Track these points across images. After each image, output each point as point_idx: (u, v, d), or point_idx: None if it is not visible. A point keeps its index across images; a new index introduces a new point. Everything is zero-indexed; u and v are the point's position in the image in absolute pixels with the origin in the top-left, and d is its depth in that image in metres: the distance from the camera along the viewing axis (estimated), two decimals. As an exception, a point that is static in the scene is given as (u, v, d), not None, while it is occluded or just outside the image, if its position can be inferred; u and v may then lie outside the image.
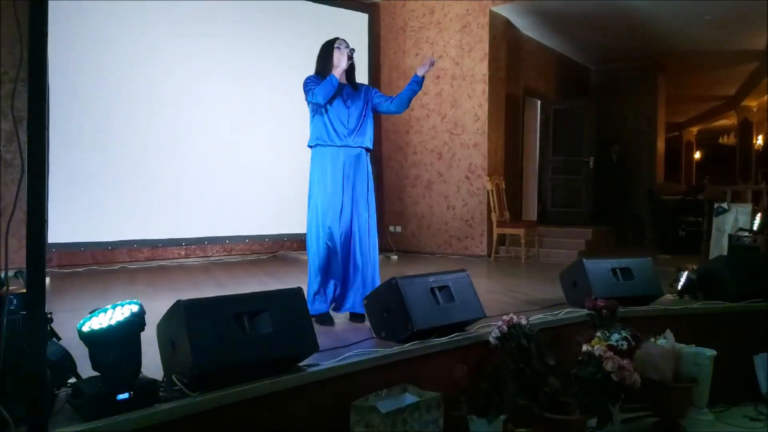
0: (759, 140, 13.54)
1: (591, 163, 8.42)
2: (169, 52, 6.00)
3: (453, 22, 7.29)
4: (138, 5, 5.78)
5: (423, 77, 3.53)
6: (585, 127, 8.47)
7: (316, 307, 3.40)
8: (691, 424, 3.16)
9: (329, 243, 3.42)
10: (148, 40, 5.87)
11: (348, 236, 3.44)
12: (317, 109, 3.47)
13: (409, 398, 2.51)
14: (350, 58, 3.45)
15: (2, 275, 1.91)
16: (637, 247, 8.57)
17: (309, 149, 3.56)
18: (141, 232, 5.84)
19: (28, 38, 1.69)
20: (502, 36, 7.35)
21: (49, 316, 1.73)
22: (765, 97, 11.04)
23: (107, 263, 5.80)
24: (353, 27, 7.40)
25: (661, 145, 10.16)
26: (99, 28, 5.60)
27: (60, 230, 5.26)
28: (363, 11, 7.54)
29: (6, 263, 1.83)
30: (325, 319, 3.37)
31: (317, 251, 3.44)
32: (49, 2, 1.64)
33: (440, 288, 3.03)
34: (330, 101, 3.42)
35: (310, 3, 7.01)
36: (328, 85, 3.36)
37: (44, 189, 1.56)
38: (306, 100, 3.47)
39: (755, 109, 12.50)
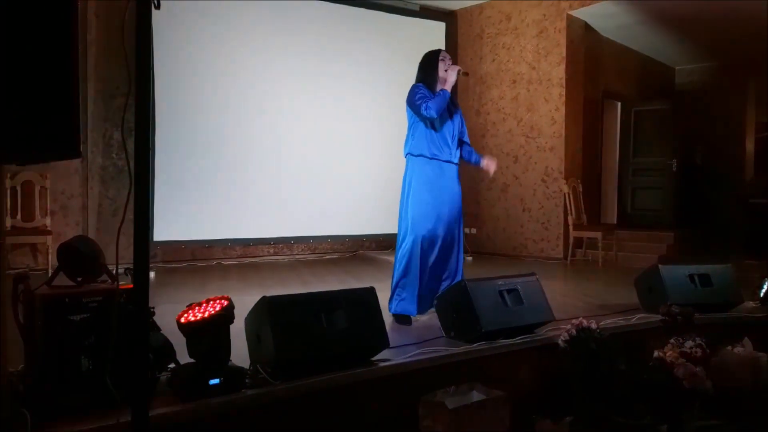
0: None
1: (674, 165, 8.01)
2: (261, 60, 6.29)
3: (530, 27, 7.17)
4: (237, 12, 6.10)
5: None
6: (668, 128, 8.07)
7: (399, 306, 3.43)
8: (772, 436, 2.98)
9: (425, 253, 3.45)
10: (242, 47, 6.18)
11: (443, 249, 3.51)
12: (425, 125, 3.47)
13: (476, 396, 2.54)
14: (458, 74, 3.50)
15: (114, 272, 2.12)
16: (722, 252, 8.06)
17: (403, 157, 3.61)
18: (234, 232, 6.18)
19: (135, 60, 1.86)
20: (581, 39, 7.15)
21: (152, 309, 1.91)
22: None
23: (204, 259, 6.18)
24: (431, 36, 7.44)
25: (750, 146, 9.48)
26: (197, 35, 5.95)
27: (164, 229, 5.67)
28: (440, 20, 7.58)
29: (117, 261, 2.04)
30: (404, 320, 3.40)
31: (410, 260, 3.44)
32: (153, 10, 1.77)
33: (509, 291, 3.03)
34: (438, 118, 3.46)
35: (391, 14, 7.13)
36: (442, 101, 3.38)
37: (148, 198, 1.73)
38: (419, 112, 3.41)
39: None
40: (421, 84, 3.50)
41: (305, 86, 6.53)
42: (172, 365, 2.17)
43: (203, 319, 2.06)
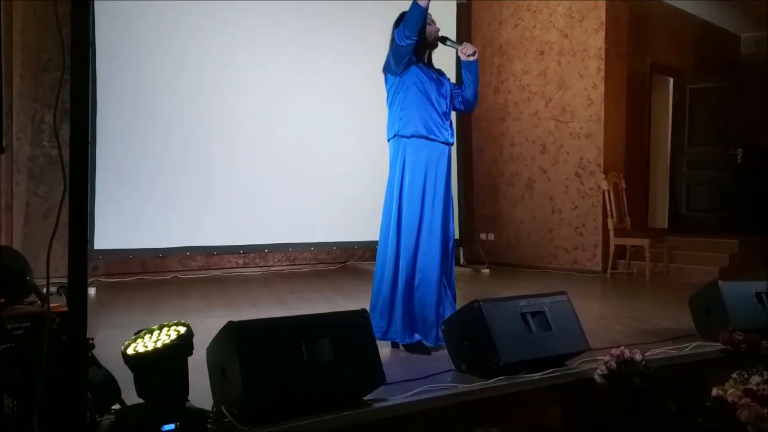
0: None
1: (739, 155, 8.09)
2: (229, 48, 6.30)
3: (561, -16, 7.22)
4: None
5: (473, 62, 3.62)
6: (732, 110, 8.17)
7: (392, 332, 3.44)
8: None
9: (420, 259, 3.46)
10: (206, 36, 6.19)
11: (441, 251, 3.50)
12: (413, 94, 3.46)
13: (493, 444, 2.56)
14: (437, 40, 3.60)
15: (45, 291, 2.13)
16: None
17: (388, 141, 3.61)
18: (195, 238, 6.18)
19: (72, 25, 1.86)
20: (624, 1, 7.20)
21: (90, 342, 1.91)
22: None
23: (157, 272, 6.19)
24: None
25: (835, 132, 9.56)
26: (156, 23, 5.97)
27: (107, 235, 5.67)
28: (452, -23, 7.60)
29: (48, 277, 2.04)
30: (418, 348, 3.42)
31: (404, 269, 3.44)
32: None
33: (534, 314, 3.05)
34: (426, 87, 3.48)
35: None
36: (416, 15, 3.29)
37: (86, 198, 1.74)
38: (393, 50, 3.42)
39: None
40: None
41: (284, 65, 6.55)
42: (116, 406, 2.18)
43: (155, 350, 2.07)
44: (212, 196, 6.25)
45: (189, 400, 2.19)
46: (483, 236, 7.71)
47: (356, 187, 6.84)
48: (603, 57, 6.94)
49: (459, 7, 7.58)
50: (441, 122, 3.52)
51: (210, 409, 2.29)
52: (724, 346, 3.24)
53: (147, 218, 5.92)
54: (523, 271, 7.15)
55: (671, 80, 8.53)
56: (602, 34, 6.93)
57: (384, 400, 2.51)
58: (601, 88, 6.96)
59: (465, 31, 7.75)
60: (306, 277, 6.38)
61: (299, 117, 6.65)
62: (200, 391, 2.32)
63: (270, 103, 6.51)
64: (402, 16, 3.53)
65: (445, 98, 3.57)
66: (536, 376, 2.89)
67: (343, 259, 7.22)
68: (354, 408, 2.42)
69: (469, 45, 3.60)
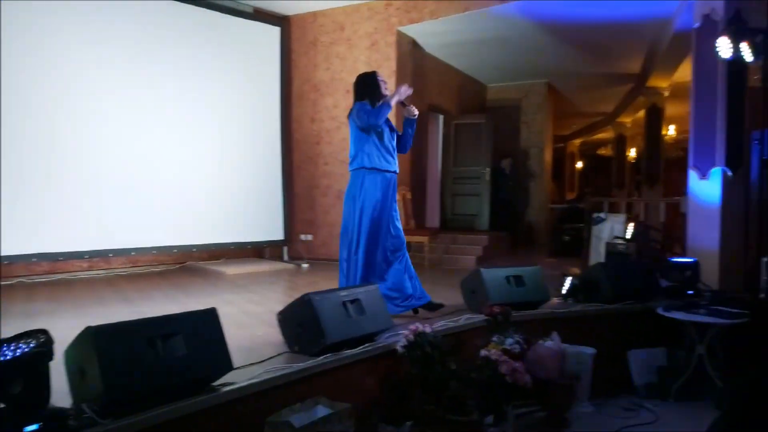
0: (632, 152, 14.80)
1: (487, 174, 8.82)
2: (74, 54, 5.62)
3: (362, 39, 7.40)
4: (70, 16, 5.45)
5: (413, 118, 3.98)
6: (483, 140, 8.87)
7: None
8: (575, 416, 3.43)
9: (379, 258, 3.85)
10: (55, 45, 5.49)
11: (393, 241, 3.91)
12: (369, 133, 3.76)
13: (322, 411, 2.55)
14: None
15: None
16: (527, 251, 9.08)
17: (352, 170, 3.85)
18: (40, 246, 5.43)
19: None
20: (408, 54, 7.54)
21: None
22: (638, 114, 12.07)
23: (2, 278, 5.35)
24: (265, 40, 7.32)
25: (548, 156, 10.82)
26: (29, 33, 5.23)
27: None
28: (275, 24, 7.47)
29: None
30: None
31: (368, 267, 3.80)
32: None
33: (352, 301, 3.08)
34: (384, 133, 3.81)
35: (224, 15, 6.85)
36: (386, 109, 3.73)
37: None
38: (363, 123, 3.71)
39: (629, 125, 13.63)
40: (366, 102, 3.82)
41: (125, 84, 5.99)
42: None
43: (14, 358, 1.79)
44: (57, 204, 5.53)
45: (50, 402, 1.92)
46: (302, 237, 7.66)
47: (193, 196, 6.49)
48: (393, 97, 7.21)
49: (281, 35, 7.49)
50: (390, 157, 3.85)
51: (69, 406, 2.03)
52: (487, 317, 3.47)
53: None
54: (335, 264, 7.16)
55: (441, 117, 9.07)
56: (394, 80, 7.17)
57: (232, 383, 2.39)
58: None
59: (287, 72, 7.66)
60: (148, 278, 5.89)
61: (142, 134, 6.12)
62: (58, 391, 2.04)
63: (114, 121, 5.91)
64: (365, 81, 3.88)
65: (392, 139, 3.90)
66: (355, 351, 2.92)
67: (182, 260, 6.78)
68: (205, 393, 2.28)
69: (414, 107, 3.97)
